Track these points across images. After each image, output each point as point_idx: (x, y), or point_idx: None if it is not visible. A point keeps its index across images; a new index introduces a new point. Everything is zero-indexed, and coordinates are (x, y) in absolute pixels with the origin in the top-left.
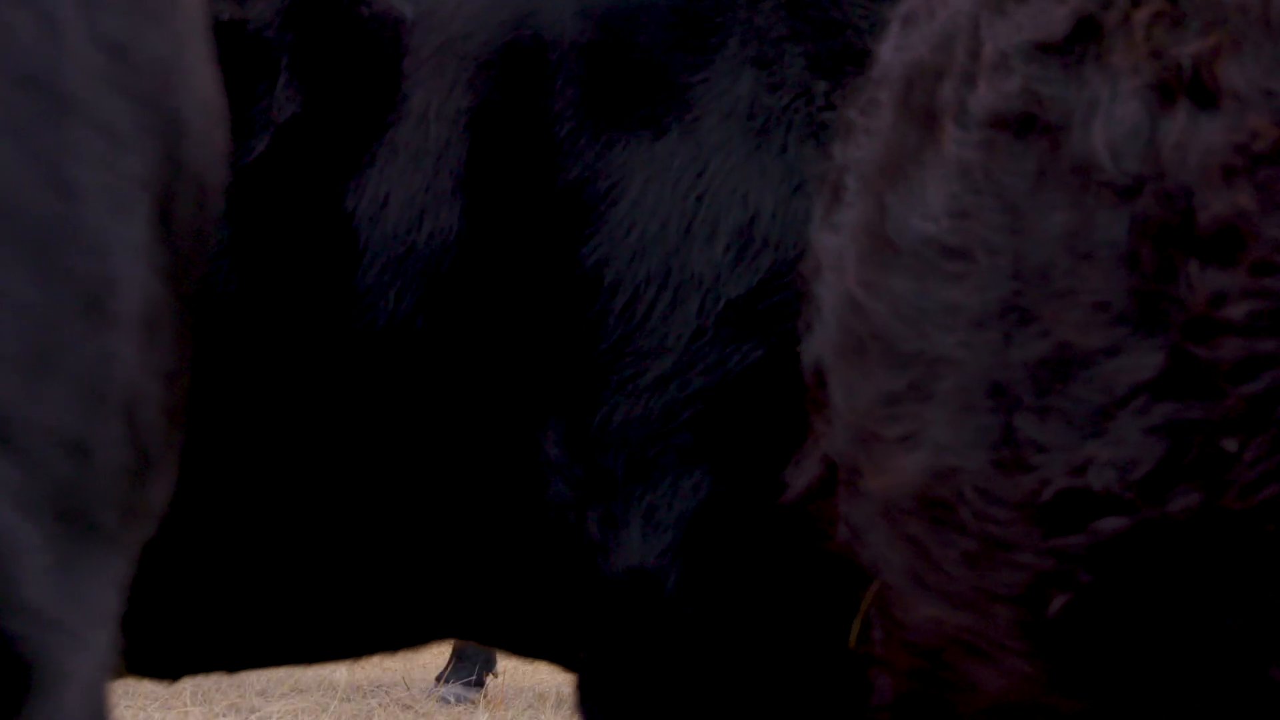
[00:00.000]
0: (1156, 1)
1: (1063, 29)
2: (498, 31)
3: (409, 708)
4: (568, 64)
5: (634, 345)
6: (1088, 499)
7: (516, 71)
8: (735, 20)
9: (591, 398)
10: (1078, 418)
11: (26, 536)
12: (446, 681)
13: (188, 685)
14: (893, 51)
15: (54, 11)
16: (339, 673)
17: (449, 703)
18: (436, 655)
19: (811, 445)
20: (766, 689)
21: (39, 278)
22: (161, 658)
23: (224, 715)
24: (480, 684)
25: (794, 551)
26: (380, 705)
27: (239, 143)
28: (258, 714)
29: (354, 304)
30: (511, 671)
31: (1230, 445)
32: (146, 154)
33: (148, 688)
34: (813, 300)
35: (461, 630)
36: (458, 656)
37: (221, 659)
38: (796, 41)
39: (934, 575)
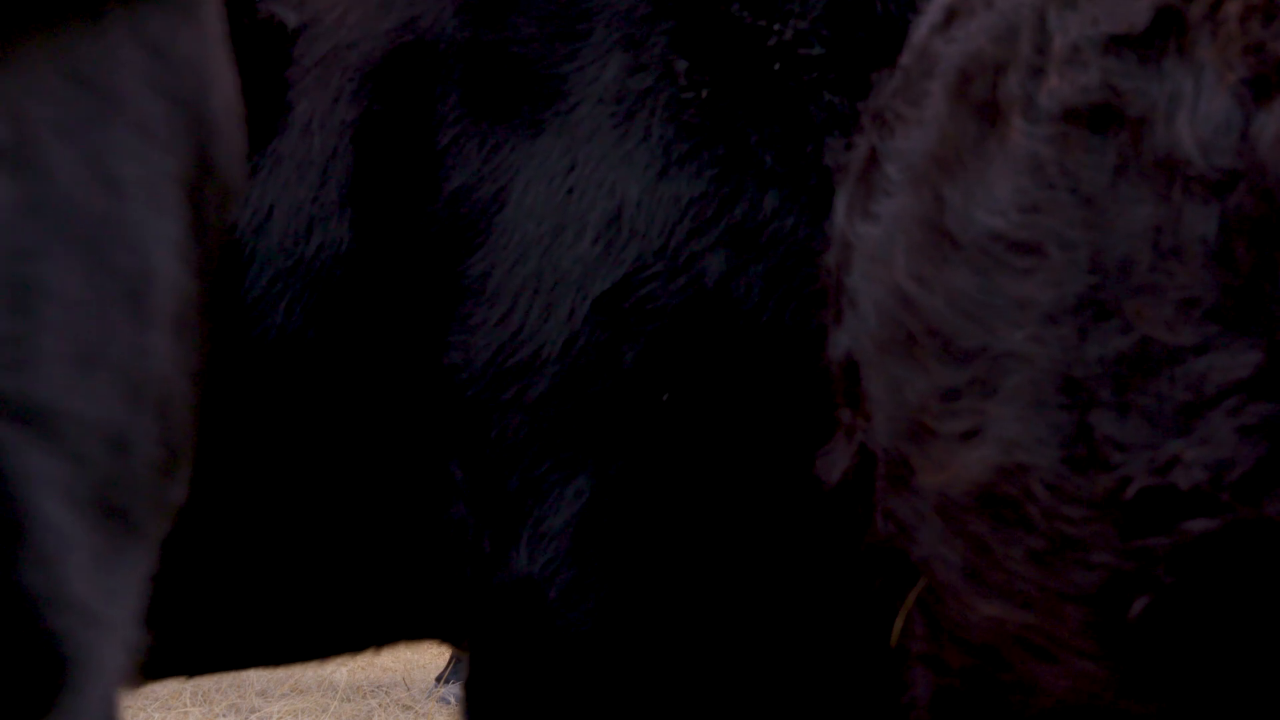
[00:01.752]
0: None
1: (1142, 21)
2: (382, 39)
3: (409, 708)
4: (449, 67)
5: (515, 358)
6: (1173, 498)
7: (400, 79)
8: (604, 3)
9: (484, 417)
10: (1161, 415)
11: (74, 532)
12: (446, 682)
13: (188, 685)
14: (943, 43)
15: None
16: (339, 673)
17: (449, 703)
18: (436, 655)
19: (842, 439)
20: (648, 695)
21: (89, 273)
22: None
23: (224, 715)
24: None
25: (679, 553)
26: (380, 705)
27: None
28: (258, 714)
29: (244, 315)
30: None
31: None
32: (180, 152)
33: (148, 688)
34: (844, 292)
35: (399, 635)
36: (458, 657)
37: (175, 664)
38: (660, 19)
39: (995, 573)
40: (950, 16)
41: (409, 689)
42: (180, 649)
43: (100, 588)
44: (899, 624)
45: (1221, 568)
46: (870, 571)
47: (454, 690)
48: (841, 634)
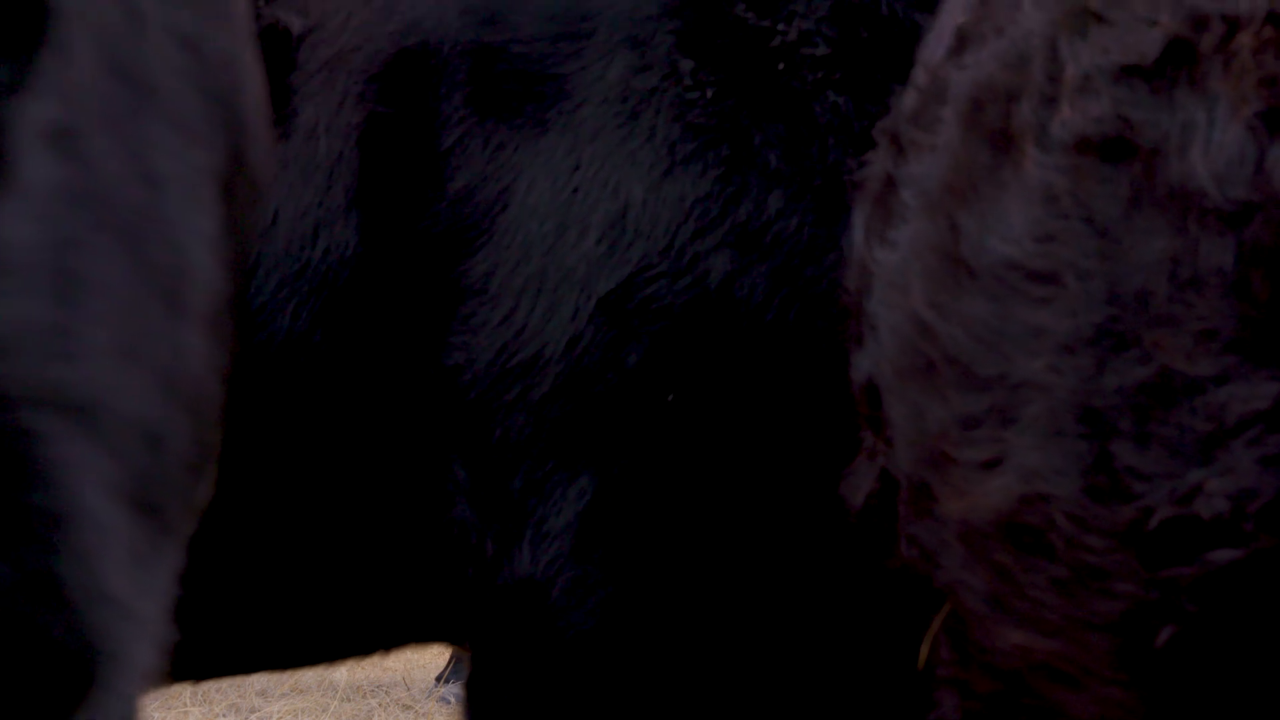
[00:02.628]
0: (1261, 27)
1: (1154, 52)
2: (386, 42)
3: (409, 708)
4: (453, 68)
5: (518, 358)
6: (1196, 529)
7: (404, 81)
8: (608, 3)
9: (487, 417)
10: (1183, 446)
11: (112, 525)
12: (447, 681)
13: (187, 685)
14: (955, 69)
15: (138, 4)
16: (339, 673)
17: (449, 703)
18: (436, 655)
19: (864, 461)
20: (649, 695)
21: (128, 267)
22: None
23: (224, 715)
24: None
25: (682, 554)
26: (380, 705)
27: None
28: (258, 714)
29: (250, 320)
30: None
31: None
32: (215, 148)
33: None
34: (864, 316)
35: (404, 638)
36: (458, 657)
37: (182, 670)
38: (665, 19)
39: (1020, 601)
40: (962, 42)
41: (409, 688)
42: (187, 654)
43: (135, 583)
44: (925, 648)
45: (1246, 597)
46: (883, 584)
47: (454, 689)
48: (846, 639)
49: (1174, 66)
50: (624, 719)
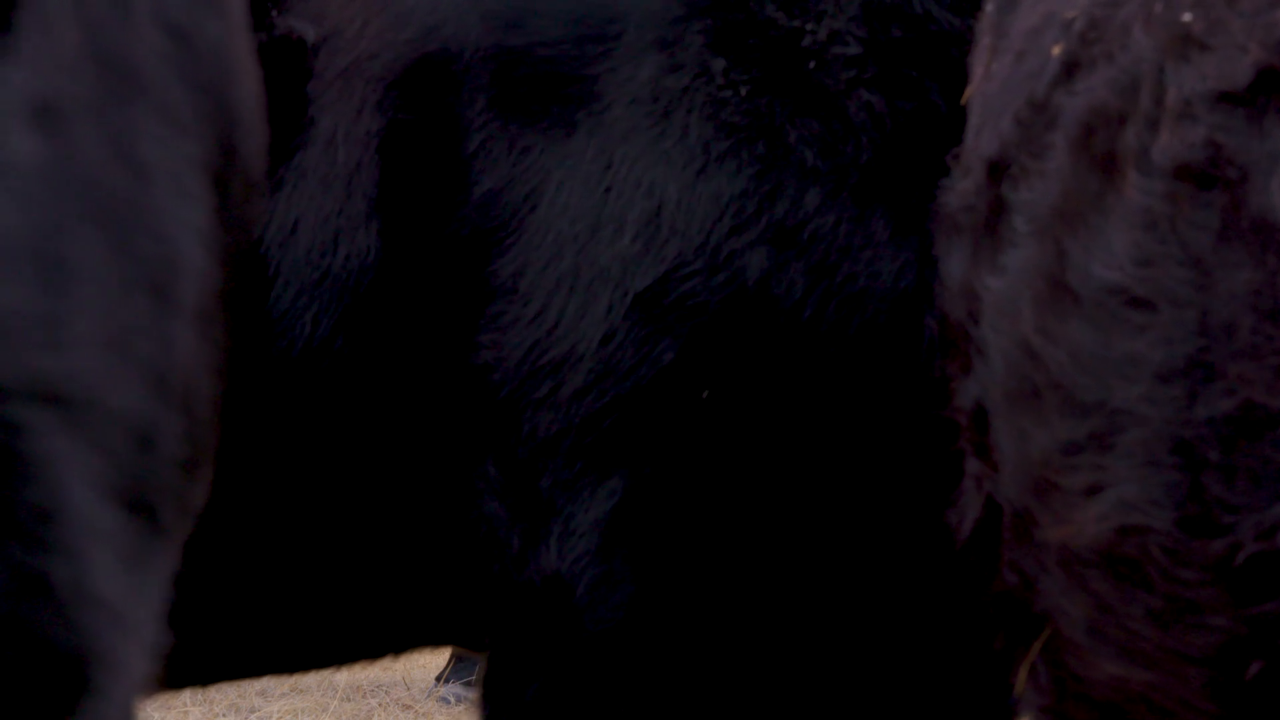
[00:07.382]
0: None
1: (1244, 79)
2: (404, 49)
3: (409, 707)
4: (475, 73)
5: (549, 355)
6: (1278, 564)
7: (425, 87)
8: (634, 5)
9: (515, 414)
10: (1266, 479)
11: (100, 523)
12: (447, 681)
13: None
14: (1065, 95)
15: None
16: (339, 673)
17: (449, 703)
18: (436, 655)
19: (971, 486)
20: (672, 693)
21: (115, 258)
22: None
23: (224, 715)
24: None
25: (710, 553)
26: (380, 705)
27: None
28: (258, 714)
29: (269, 329)
30: None
31: None
32: (204, 140)
33: None
34: (972, 342)
35: (419, 640)
36: (458, 656)
37: (190, 674)
38: (696, 18)
39: (1117, 632)
40: (1071, 69)
41: (409, 688)
42: (197, 659)
43: (125, 586)
44: (1023, 674)
45: None
46: (915, 586)
47: (454, 689)
48: (867, 641)
49: (1265, 94)
50: (645, 716)
